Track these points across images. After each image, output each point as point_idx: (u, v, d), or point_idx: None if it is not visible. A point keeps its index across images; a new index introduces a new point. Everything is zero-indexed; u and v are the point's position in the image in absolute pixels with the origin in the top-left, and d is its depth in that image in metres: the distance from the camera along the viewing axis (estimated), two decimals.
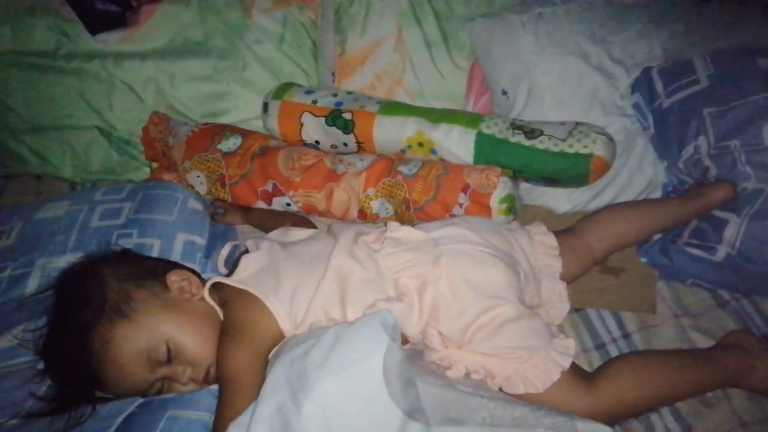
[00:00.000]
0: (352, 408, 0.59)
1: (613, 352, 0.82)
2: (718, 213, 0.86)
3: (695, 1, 1.09)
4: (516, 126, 0.96)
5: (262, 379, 0.65)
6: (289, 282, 0.75)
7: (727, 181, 0.87)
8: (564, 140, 0.92)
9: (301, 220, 1.02)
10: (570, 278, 0.85)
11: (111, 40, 1.24)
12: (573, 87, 1.02)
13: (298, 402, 0.59)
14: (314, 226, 1.00)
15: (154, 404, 0.70)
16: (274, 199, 1.05)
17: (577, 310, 0.86)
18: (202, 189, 1.09)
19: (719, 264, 0.84)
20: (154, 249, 0.90)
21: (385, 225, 0.83)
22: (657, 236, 0.92)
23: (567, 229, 0.90)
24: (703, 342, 0.81)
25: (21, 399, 0.72)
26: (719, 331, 0.81)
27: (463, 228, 0.80)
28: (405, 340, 0.76)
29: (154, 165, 1.18)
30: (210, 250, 0.96)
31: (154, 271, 0.77)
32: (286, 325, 0.73)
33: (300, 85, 1.16)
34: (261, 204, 1.06)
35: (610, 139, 0.92)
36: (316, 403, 0.58)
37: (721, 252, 0.83)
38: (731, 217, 0.84)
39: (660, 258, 0.89)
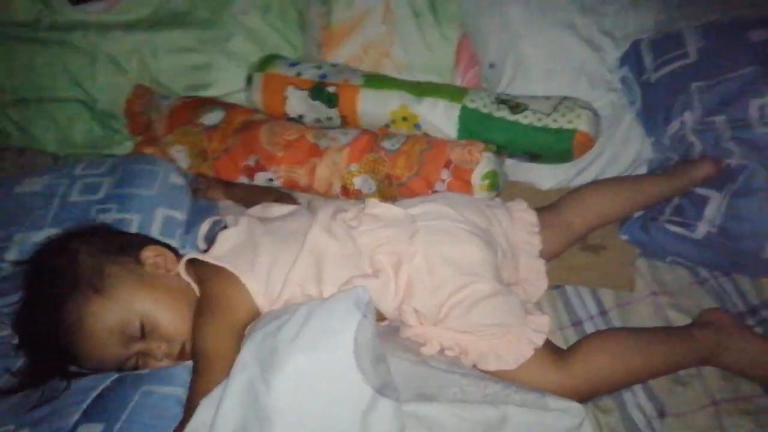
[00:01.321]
0: (322, 384, 0.59)
1: (590, 329, 0.81)
2: (699, 190, 0.85)
3: None
4: (501, 100, 0.94)
5: (236, 355, 0.65)
6: (266, 258, 0.74)
7: (710, 158, 0.86)
8: (548, 115, 0.90)
9: (283, 195, 1.02)
10: (550, 255, 0.85)
11: (93, 11, 1.22)
12: (561, 59, 1.00)
13: (268, 378, 0.59)
14: (297, 203, 0.99)
15: (129, 379, 0.70)
16: (257, 174, 1.04)
17: (556, 287, 0.86)
18: (184, 163, 1.07)
19: (699, 242, 0.83)
20: (134, 224, 0.89)
21: (364, 202, 0.83)
22: (638, 213, 0.91)
23: (548, 206, 0.89)
24: (680, 320, 0.81)
25: None
26: (696, 309, 0.81)
27: (442, 204, 0.79)
28: (381, 317, 0.76)
29: (138, 139, 1.16)
30: (191, 226, 0.95)
31: (129, 246, 0.76)
32: (261, 301, 0.73)
33: (284, 57, 1.13)
34: (243, 179, 1.05)
35: (596, 114, 0.91)
36: (286, 379, 0.58)
37: (701, 229, 0.82)
38: (713, 194, 0.83)
39: (641, 235, 0.88)
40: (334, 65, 1.10)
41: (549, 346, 0.71)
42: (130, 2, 1.24)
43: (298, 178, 1.02)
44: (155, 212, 0.92)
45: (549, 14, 1.01)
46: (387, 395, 0.59)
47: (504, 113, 0.92)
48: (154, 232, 0.89)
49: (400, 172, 0.95)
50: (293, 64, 1.09)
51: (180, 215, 0.94)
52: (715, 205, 0.82)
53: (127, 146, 1.20)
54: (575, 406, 0.61)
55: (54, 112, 1.20)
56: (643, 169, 0.99)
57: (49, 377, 0.70)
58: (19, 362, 0.73)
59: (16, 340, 0.74)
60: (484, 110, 0.94)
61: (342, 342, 0.59)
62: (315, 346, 0.59)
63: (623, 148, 0.99)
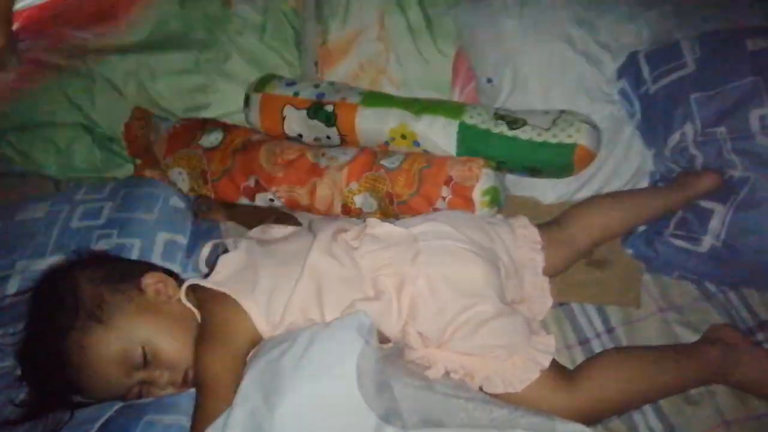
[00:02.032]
0: (325, 412, 0.58)
1: (597, 347, 0.80)
2: (703, 203, 0.85)
3: None
4: (499, 116, 0.94)
5: (239, 382, 0.65)
6: (266, 282, 0.74)
7: (713, 170, 0.85)
8: (547, 129, 0.90)
9: (284, 216, 1.01)
10: (554, 272, 0.84)
11: (90, 35, 1.23)
12: (558, 73, 0.99)
13: (272, 406, 0.58)
14: (298, 222, 0.99)
15: (132, 409, 0.69)
16: (257, 195, 1.04)
17: (561, 304, 0.85)
18: (185, 186, 1.07)
19: (704, 255, 0.82)
20: (135, 249, 0.89)
21: (365, 221, 0.82)
22: (642, 228, 0.90)
23: (551, 222, 0.88)
24: (688, 336, 0.80)
25: (1, 404, 0.71)
26: (704, 324, 0.80)
27: (443, 223, 0.78)
28: (385, 340, 0.75)
29: (138, 162, 1.17)
30: (192, 249, 0.95)
31: (130, 273, 0.76)
32: (263, 327, 0.72)
33: (281, 77, 1.14)
34: (244, 200, 1.05)
35: (595, 127, 0.90)
36: (288, 407, 0.58)
37: (706, 243, 0.82)
38: (717, 206, 0.83)
39: (645, 250, 0.88)
40: (331, 84, 1.10)
41: (555, 367, 0.70)
42: (127, 25, 1.24)
43: (299, 198, 1.02)
44: (156, 237, 0.92)
45: (544, 28, 1.01)
46: (392, 422, 0.58)
47: (502, 129, 0.92)
48: (156, 256, 0.89)
49: (401, 190, 0.94)
50: (290, 84, 1.09)
51: (181, 239, 0.94)
52: (719, 218, 0.82)
53: (127, 169, 1.20)
54: (583, 429, 0.60)
55: (54, 137, 1.20)
56: (645, 182, 0.98)
57: (53, 408, 0.69)
58: (23, 393, 0.73)
59: (19, 371, 0.73)
60: (483, 126, 0.93)
61: (345, 369, 0.59)
62: (318, 374, 0.59)
63: (624, 161, 0.98)
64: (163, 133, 1.11)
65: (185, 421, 0.68)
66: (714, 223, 0.81)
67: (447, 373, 0.69)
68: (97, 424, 0.67)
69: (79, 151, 1.20)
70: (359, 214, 0.99)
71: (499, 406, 0.62)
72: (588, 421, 0.64)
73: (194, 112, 1.20)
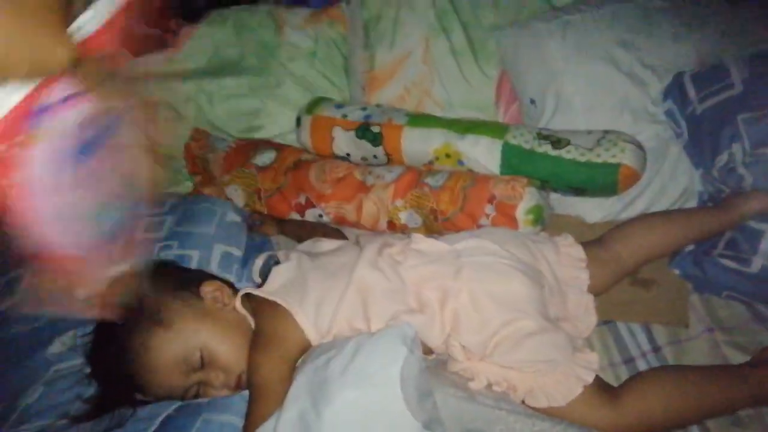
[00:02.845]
0: (370, 417, 0.60)
1: (642, 366, 0.80)
2: (753, 224, 0.83)
3: (730, 3, 1.06)
4: (542, 136, 0.96)
5: (289, 386, 0.68)
6: (315, 293, 0.77)
7: (763, 191, 0.84)
8: (591, 150, 0.91)
9: (332, 230, 1.05)
10: (599, 290, 0.84)
11: (152, 62, 1.32)
12: (602, 94, 1.01)
13: (319, 410, 0.61)
14: (345, 237, 1.03)
15: (190, 408, 0.73)
16: (307, 211, 1.08)
17: (606, 322, 0.85)
18: (240, 202, 1.13)
19: (755, 276, 0.81)
20: (193, 260, 0.94)
21: (410, 236, 0.85)
22: (690, 247, 0.90)
23: (596, 240, 0.89)
24: (738, 357, 0.78)
25: (70, 401, 0.77)
26: (755, 346, 0.78)
27: (486, 239, 0.80)
28: (429, 351, 0.77)
29: (196, 179, 1.24)
30: (247, 261, 1.00)
31: (190, 281, 0.81)
32: (312, 335, 0.76)
33: (331, 100, 1.19)
34: (295, 215, 1.10)
35: (640, 147, 0.91)
36: (335, 411, 0.60)
37: (757, 263, 0.80)
38: (767, 228, 0.81)
39: (693, 270, 0.87)
40: (378, 106, 1.14)
41: (599, 384, 0.71)
42: (187, 53, 1.33)
43: (346, 214, 1.06)
44: (213, 248, 0.97)
45: (588, 49, 1.02)
46: (434, 430, 0.60)
47: (546, 148, 0.94)
48: (213, 267, 0.94)
49: (445, 207, 0.97)
50: (339, 106, 1.14)
51: (237, 251, 0.99)
52: None
53: (187, 186, 1.27)
54: None
55: None
56: (693, 202, 0.98)
57: (117, 405, 0.74)
58: (91, 390, 0.78)
59: (87, 369, 0.79)
60: (527, 146, 0.95)
61: (389, 377, 0.61)
62: (363, 381, 0.61)
63: (671, 181, 0.98)
64: (220, 152, 1.18)
65: (238, 421, 0.71)
66: (765, 244, 0.80)
67: (490, 386, 0.71)
68: (158, 421, 0.72)
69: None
70: (404, 230, 1.02)
71: (541, 419, 0.63)
72: None
73: (249, 133, 1.27)
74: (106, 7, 0.48)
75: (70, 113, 0.46)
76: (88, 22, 0.46)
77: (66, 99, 0.45)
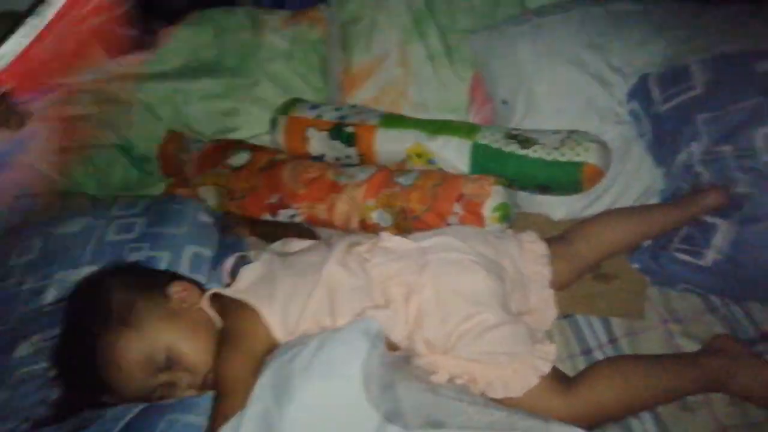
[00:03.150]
0: (331, 412, 0.61)
1: (599, 357, 0.81)
2: (707, 218, 0.86)
3: (699, 5, 1.08)
4: (511, 136, 0.98)
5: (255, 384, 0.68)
6: (283, 291, 0.78)
7: (718, 187, 0.86)
8: (557, 149, 0.92)
9: (305, 231, 1.06)
10: (561, 285, 0.86)
11: (130, 63, 1.32)
12: (570, 96, 1.03)
13: (282, 406, 0.62)
14: (318, 237, 1.03)
15: (156, 408, 0.73)
16: (280, 211, 1.09)
17: (567, 316, 0.87)
18: (213, 203, 1.14)
19: (708, 269, 0.83)
20: (163, 261, 0.94)
21: (378, 235, 0.86)
22: (648, 242, 0.92)
23: (559, 237, 0.91)
24: (691, 347, 0.80)
25: (34, 404, 0.77)
26: (707, 336, 0.80)
27: (452, 237, 0.82)
28: (395, 347, 0.78)
29: (170, 180, 1.24)
30: (218, 262, 1.00)
31: (157, 282, 0.81)
32: (279, 334, 0.76)
33: (306, 101, 1.20)
34: (268, 216, 1.11)
35: (604, 146, 0.93)
36: (297, 407, 0.61)
37: (709, 257, 0.83)
38: (720, 222, 0.84)
39: (650, 264, 0.89)
40: (353, 107, 1.15)
41: (555, 374, 0.72)
42: (165, 54, 1.33)
43: (318, 214, 1.06)
44: (184, 250, 0.97)
45: (557, 52, 1.05)
46: (395, 422, 0.61)
47: (514, 148, 0.96)
48: (184, 268, 0.94)
49: (414, 206, 0.98)
50: (314, 107, 1.15)
51: (208, 252, 0.99)
52: (722, 233, 0.83)
53: (160, 187, 1.27)
54: (577, 431, 0.62)
55: (93, 158, 1.29)
56: (655, 200, 1.00)
57: (82, 407, 0.74)
58: (55, 394, 0.78)
59: (53, 373, 0.79)
60: (495, 146, 0.97)
61: (351, 370, 0.62)
62: (325, 375, 0.62)
63: (634, 179, 1.00)
64: (195, 153, 1.18)
65: (204, 421, 0.71)
66: (717, 238, 0.83)
67: (451, 379, 0.72)
68: (123, 422, 0.72)
69: (117, 172, 1.28)
70: (376, 229, 1.03)
71: (499, 409, 0.64)
72: (586, 426, 0.66)
73: (224, 134, 1.27)
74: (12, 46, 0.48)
75: None
76: None
77: None
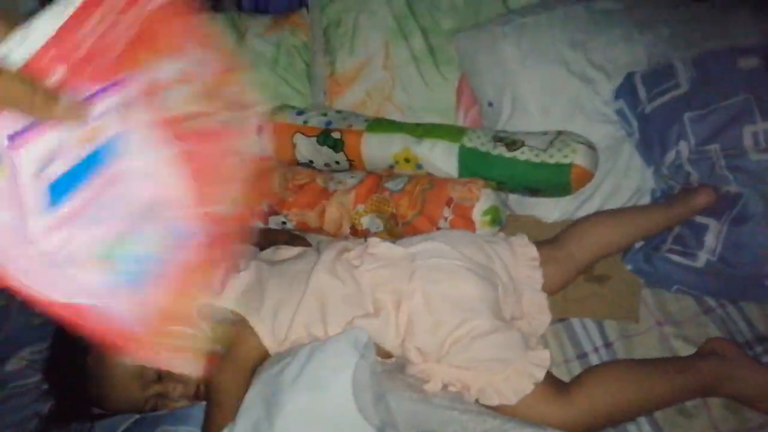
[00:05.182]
0: (322, 423, 0.61)
1: (594, 361, 0.81)
2: (699, 218, 0.86)
3: (683, 3, 1.08)
4: (498, 138, 0.98)
5: (246, 395, 0.68)
6: (272, 300, 0.78)
7: (709, 186, 0.86)
8: (544, 150, 0.92)
9: (295, 237, 1.06)
10: (554, 288, 0.86)
11: None
12: (555, 95, 1.02)
13: (272, 418, 0.62)
14: (308, 244, 1.03)
15: (148, 420, 0.73)
16: (270, 218, 1.09)
17: (561, 319, 0.86)
18: None
19: (701, 270, 0.83)
20: None
21: (367, 241, 0.86)
22: (640, 243, 0.92)
23: (550, 240, 0.90)
24: (686, 350, 0.80)
25: (27, 418, 0.77)
26: (702, 338, 0.80)
27: (441, 242, 0.81)
28: (387, 355, 0.78)
29: None
30: None
31: None
32: (269, 343, 0.76)
33: (291, 107, 1.19)
34: (258, 223, 1.10)
35: (592, 147, 0.93)
36: (288, 419, 0.61)
37: (702, 258, 0.83)
38: (711, 222, 0.84)
39: (643, 265, 0.89)
40: (339, 112, 1.15)
41: (550, 380, 0.72)
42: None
43: (309, 221, 1.06)
44: None
45: (541, 51, 1.04)
46: None
47: (501, 150, 0.95)
48: None
49: (404, 211, 0.98)
50: (300, 113, 1.15)
51: None
52: (714, 233, 0.83)
53: None
54: None
55: None
56: (646, 199, 1.00)
57: (74, 420, 0.74)
58: (48, 407, 0.78)
59: (45, 386, 0.79)
60: (482, 149, 0.97)
61: (340, 382, 0.62)
62: (314, 387, 0.62)
63: (625, 179, 1.00)
64: None
65: (196, 431, 0.72)
66: (709, 238, 0.83)
67: (445, 387, 0.72)
68: None
69: None
70: (367, 235, 1.03)
71: (493, 417, 0.64)
72: None
73: None
74: (44, 26, 0.38)
75: (31, 146, 0.35)
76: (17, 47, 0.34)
77: (17, 134, 0.35)
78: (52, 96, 0.33)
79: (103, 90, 0.37)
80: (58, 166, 0.37)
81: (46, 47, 0.35)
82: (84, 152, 0.37)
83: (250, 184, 0.46)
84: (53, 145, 0.36)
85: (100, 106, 0.37)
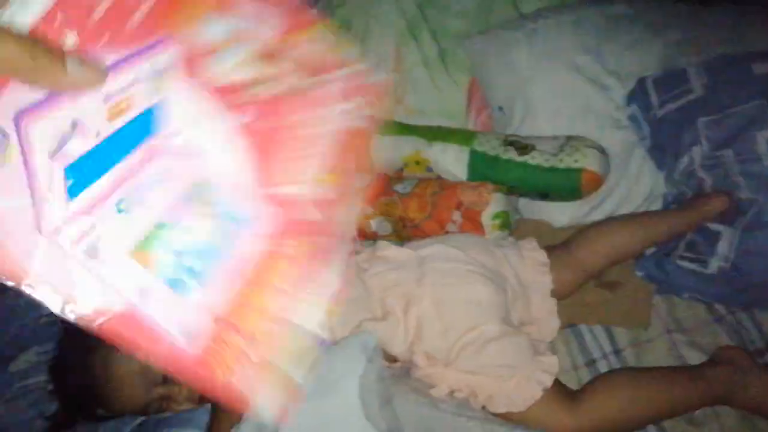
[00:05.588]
0: (328, 427, 0.60)
1: (603, 368, 0.80)
2: (711, 225, 0.84)
3: (695, 7, 1.07)
4: (509, 142, 0.97)
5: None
6: None
7: (721, 192, 0.85)
8: (555, 155, 0.91)
9: None
10: (564, 294, 0.85)
11: None
12: (567, 100, 1.01)
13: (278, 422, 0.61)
14: None
15: (152, 423, 0.73)
16: None
17: (571, 325, 0.85)
18: None
19: (713, 277, 0.82)
20: None
21: (376, 244, 0.85)
22: (652, 250, 0.90)
23: (560, 245, 0.89)
24: (696, 358, 0.79)
25: (32, 418, 0.76)
26: (713, 346, 0.79)
27: (450, 246, 0.81)
28: (394, 359, 0.77)
29: None
30: None
31: None
32: None
33: None
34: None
35: (603, 152, 0.92)
36: (294, 422, 0.60)
37: (714, 265, 0.81)
38: (724, 229, 0.82)
39: (655, 272, 0.87)
40: None
41: (559, 387, 0.71)
42: None
43: None
44: None
45: (552, 56, 1.03)
46: None
47: (511, 155, 0.95)
48: None
49: (413, 214, 0.97)
50: None
51: None
52: (727, 240, 0.81)
53: None
54: None
55: None
56: (658, 204, 0.99)
57: (79, 421, 0.74)
58: (53, 407, 0.77)
59: (50, 386, 0.78)
60: (492, 153, 0.96)
61: (347, 387, 0.61)
62: (321, 391, 0.61)
63: (636, 184, 0.99)
64: None
65: None
66: (722, 245, 0.81)
67: (452, 392, 0.71)
68: None
69: None
70: (375, 237, 1.02)
71: (500, 424, 0.63)
72: None
73: None
74: None
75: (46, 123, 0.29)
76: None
77: (27, 109, 0.28)
78: (57, 56, 0.27)
79: (130, 57, 0.31)
80: (77, 144, 0.31)
81: (50, 13, 0.28)
82: (110, 128, 0.32)
83: (336, 159, 0.39)
84: (70, 121, 0.30)
85: (127, 75, 0.31)
